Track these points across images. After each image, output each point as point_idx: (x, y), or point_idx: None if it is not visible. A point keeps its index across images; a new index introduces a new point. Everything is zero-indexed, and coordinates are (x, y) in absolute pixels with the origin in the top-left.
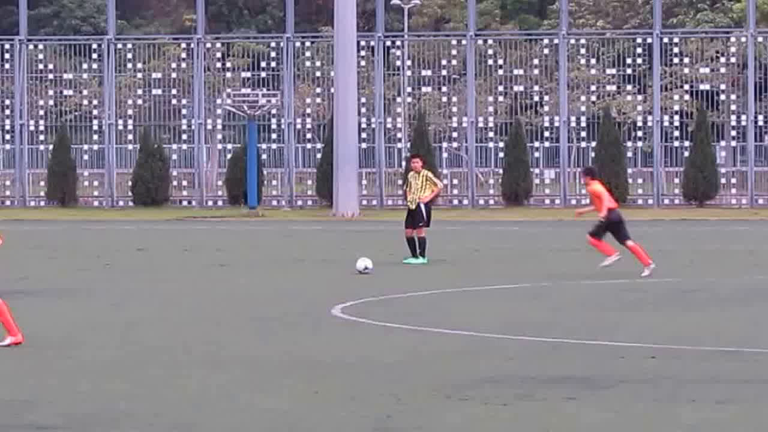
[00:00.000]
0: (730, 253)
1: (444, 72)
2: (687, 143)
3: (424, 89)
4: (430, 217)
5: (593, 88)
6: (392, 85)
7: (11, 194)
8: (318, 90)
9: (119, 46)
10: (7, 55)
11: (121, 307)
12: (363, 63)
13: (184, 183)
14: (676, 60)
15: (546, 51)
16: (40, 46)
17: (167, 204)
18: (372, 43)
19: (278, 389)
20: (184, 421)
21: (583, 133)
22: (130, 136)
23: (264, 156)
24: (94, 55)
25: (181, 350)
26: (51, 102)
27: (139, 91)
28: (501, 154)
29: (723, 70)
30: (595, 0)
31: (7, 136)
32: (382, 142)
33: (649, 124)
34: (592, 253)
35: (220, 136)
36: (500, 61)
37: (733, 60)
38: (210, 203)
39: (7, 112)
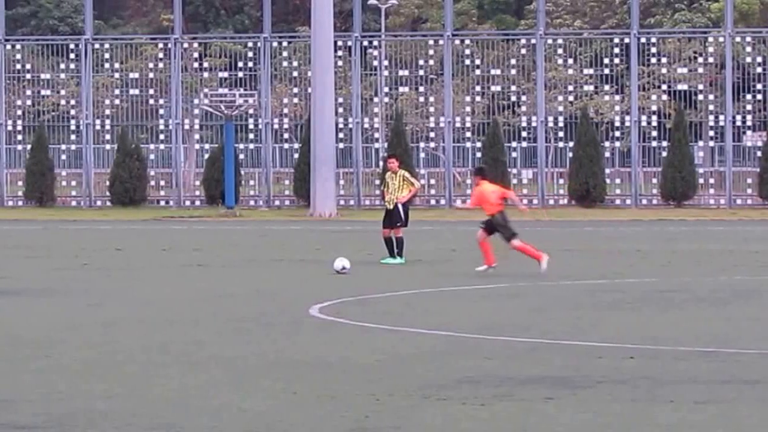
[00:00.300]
0: (708, 253)
1: (421, 72)
2: (665, 143)
3: (401, 89)
4: (407, 217)
5: (571, 88)
6: (369, 85)
7: None
8: (295, 90)
9: (96, 46)
10: None
11: (99, 306)
12: (340, 63)
13: (162, 183)
14: (653, 60)
15: (523, 51)
16: (18, 46)
17: (145, 204)
18: (349, 43)
19: (256, 389)
20: (162, 421)
21: (561, 133)
22: (108, 136)
23: (241, 156)
24: (72, 55)
25: (159, 350)
26: (29, 102)
27: (117, 91)
28: (478, 154)
29: (701, 70)
30: (572, 0)
31: None
32: (359, 142)
33: (627, 124)
34: (570, 253)
35: (197, 136)
36: (477, 61)
37: (711, 60)
38: (187, 203)
39: None
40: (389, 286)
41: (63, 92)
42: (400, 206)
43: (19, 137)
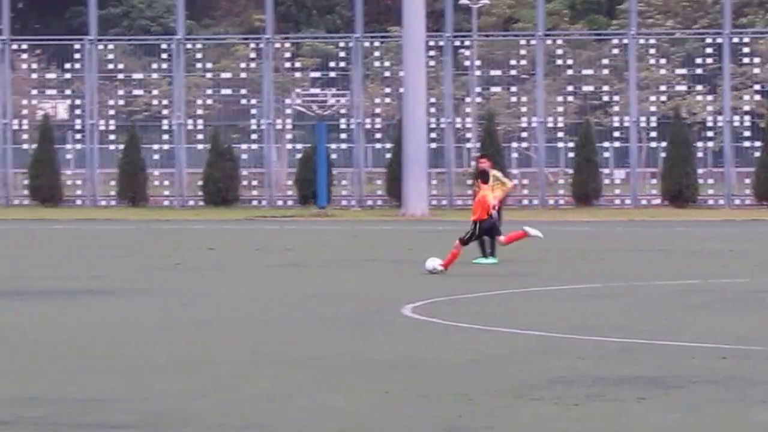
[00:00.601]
0: None
1: (513, 72)
2: (758, 143)
3: (493, 89)
4: (500, 217)
5: (663, 88)
6: (461, 85)
7: (82, 193)
8: (387, 90)
9: (188, 46)
10: (77, 55)
11: (192, 306)
12: (432, 63)
13: (254, 183)
14: (746, 60)
15: (615, 51)
16: (110, 46)
17: (237, 203)
18: (441, 43)
19: (348, 389)
20: (254, 421)
21: (653, 134)
22: (200, 136)
23: (333, 156)
24: (164, 55)
25: (252, 350)
26: (121, 102)
27: (209, 91)
28: (570, 155)
29: None
30: (664, 0)
31: (78, 136)
32: (451, 142)
33: (720, 124)
34: (663, 253)
35: (289, 136)
36: (569, 61)
37: None
38: (280, 203)
39: (78, 111)
40: (482, 285)
41: (155, 92)
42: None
43: (112, 137)
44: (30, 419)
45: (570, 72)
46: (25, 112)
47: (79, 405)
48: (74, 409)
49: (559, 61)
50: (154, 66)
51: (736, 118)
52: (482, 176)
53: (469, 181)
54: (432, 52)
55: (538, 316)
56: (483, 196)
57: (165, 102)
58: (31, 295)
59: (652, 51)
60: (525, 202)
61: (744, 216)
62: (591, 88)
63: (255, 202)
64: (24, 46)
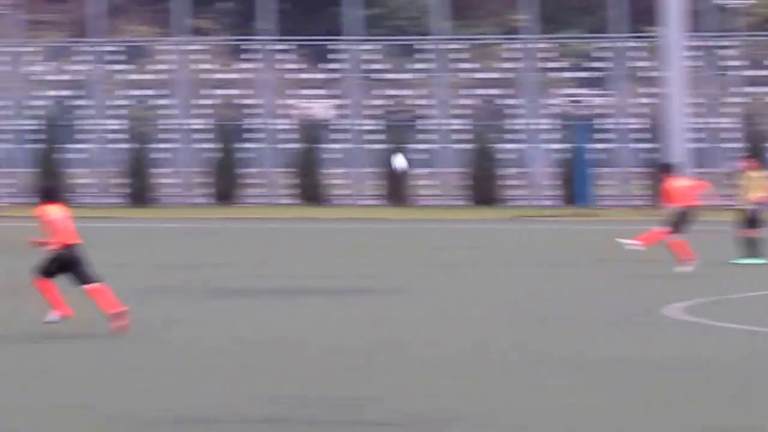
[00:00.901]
0: None
1: None
2: None
3: (754, 89)
4: (764, 217)
5: None
6: (723, 86)
7: (345, 193)
8: (648, 90)
9: (449, 46)
10: (338, 56)
11: (455, 305)
12: (693, 63)
13: (516, 182)
14: None
15: None
16: (371, 47)
17: (500, 203)
18: (701, 43)
19: (616, 391)
20: (516, 422)
21: None
22: (462, 136)
23: (595, 156)
24: (425, 56)
25: (515, 350)
26: (383, 101)
27: (470, 91)
28: None
29: None
30: None
31: (341, 136)
32: (712, 143)
33: None
34: None
35: (551, 136)
36: None
37: None
38: (542, 202)
39: (340, 111)
40: (748, 286)
41: (417, 92)
42: (757, 207)
43: (374, 137)
44: (302, 417)
45: None
46: (286, 112)
47: (348, 404)
48: (344, 408)
49: None
50: (415, 66)
51: None
52: (665, 169)
53: (726, 181)
54: (693, 53)
55: None
56: (679, 187)
57: (426, 102)
58: (297, 294)
59: None
60: None
61: None
62: None
63: (518, 202)
64: (285, 47)
